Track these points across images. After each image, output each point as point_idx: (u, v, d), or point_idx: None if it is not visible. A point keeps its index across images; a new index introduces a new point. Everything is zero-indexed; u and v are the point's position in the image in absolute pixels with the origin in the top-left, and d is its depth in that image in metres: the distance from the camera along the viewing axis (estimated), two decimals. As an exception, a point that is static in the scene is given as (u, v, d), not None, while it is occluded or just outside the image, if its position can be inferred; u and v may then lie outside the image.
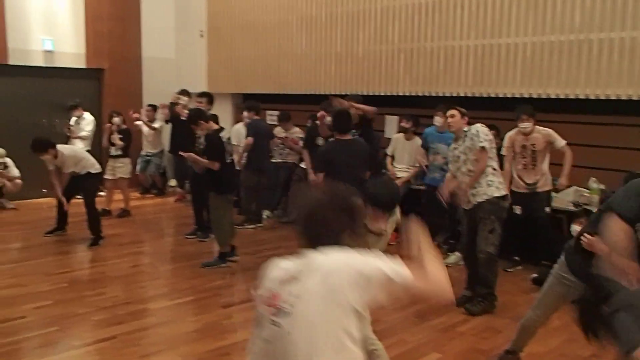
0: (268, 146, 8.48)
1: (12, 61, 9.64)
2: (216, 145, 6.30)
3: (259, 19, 9.83)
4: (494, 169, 5.14)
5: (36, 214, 8.69)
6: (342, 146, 5.53)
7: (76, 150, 7.65)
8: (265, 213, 8.62)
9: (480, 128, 5.08)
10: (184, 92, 8.81)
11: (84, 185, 7.25)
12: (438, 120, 6.89)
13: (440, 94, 7.56)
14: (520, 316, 4.09)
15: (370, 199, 3.23)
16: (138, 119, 9.71)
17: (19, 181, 9.24)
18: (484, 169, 5.06)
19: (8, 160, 9.20)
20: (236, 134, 8.48)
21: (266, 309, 2.09)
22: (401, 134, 7.78)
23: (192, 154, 6.40)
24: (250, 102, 8.63)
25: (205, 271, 6.25)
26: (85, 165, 7.23)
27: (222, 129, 6.60)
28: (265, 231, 8.11)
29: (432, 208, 6.64)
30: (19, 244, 7.49)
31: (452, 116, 5.18)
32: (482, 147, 5.01)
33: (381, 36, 8.17)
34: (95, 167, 7.36)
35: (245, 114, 8.37)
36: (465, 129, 5.15)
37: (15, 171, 9.23)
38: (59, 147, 7.15)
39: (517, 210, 6.21)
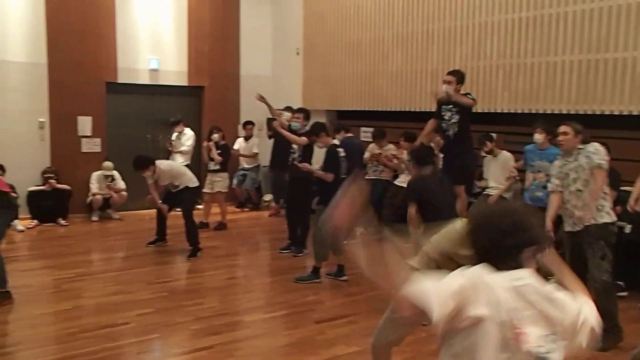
0: (361, 163, 8.47)
1: (121, 79, 10.22)
2: (333, 158, 6.43)
3: (354, 37, 9.90)
4: (605, 193, 4.84)
5: (139, 224, 9.10)
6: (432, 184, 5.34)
7: (173, 165, 7.96)
8: (359, 230, 8.57)
9: (599, 147, 4.79)
10: (288, 109, 9.00)
11: (182, 198, 7.54)
12: (538, 137, 6.63)
13: (541, 111, 7.29)
14: (630, 347, 3.83)
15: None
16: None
17: (124, 193, 9.75)
18: (601, 188, 4.76)
19: (115, 173, 9.73)
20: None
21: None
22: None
23: (306, 165, 6.52)
24: (337, 124, 8.74)
25: (299, 286, 6.30)
26: (183, 181, 7.52)
27: (338, 144, 6.72)
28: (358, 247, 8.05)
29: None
30: (123, 253, 7.85)
31: (565, 133, 4.87)
32: (600, 166, 4.72)
33: (479, 52, 8.00)
34: (193, 182, 7.64)
35: (337, 136, 8.45)
36: (580, 146, 4.87)
37: (121, 184, 9.75)
38: (157, 162, 7.50)
39: (627, 229, 5.84)
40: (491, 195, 7.18)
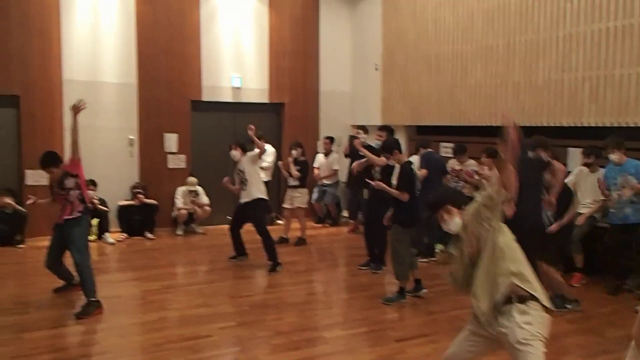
0: (441, 179, 8.34)
1: (205, 97, 10.57)
2: (408, 177, 6.35)
3: (434, 51, 9.80)
4: None
5: (222, 239, 9.30)
6: None
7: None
8: (438, 247, 8.41)
9: None
10: (362, 128, 9.00)
11: (253, 214, 7.68)
12: (614, 157, 6.38)
13: (632, 124, 6.94)
14: None
15: None
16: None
17: (208, 208, 10.04)
18: None
19: (199, 189, 10.04)
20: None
21: None
22: (585, 167, 7.25)
23: (380, 183, 6.49)
24: (418, 141, 8.66)
25: (378, 303, 6.24)
26: (252, 193, 7.66)
27: (411, 162, 6.68)
28: (437, 266, 7.92)
29: (620, 248, 6.06)
30: (206, 267, 8.07)
31: None
32: None
33: (563, 64, 7.73)
34: (264, 193, 7.78)
35: (421, 151, 8.39)
36: None
37: (205, 199, 10.04)
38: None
39: None
40: (582, 213, 6.90)
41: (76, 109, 5.90)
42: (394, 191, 6.27)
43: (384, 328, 5.58)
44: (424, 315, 5.92)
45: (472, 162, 8.56)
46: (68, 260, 6.15)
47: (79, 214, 5.96)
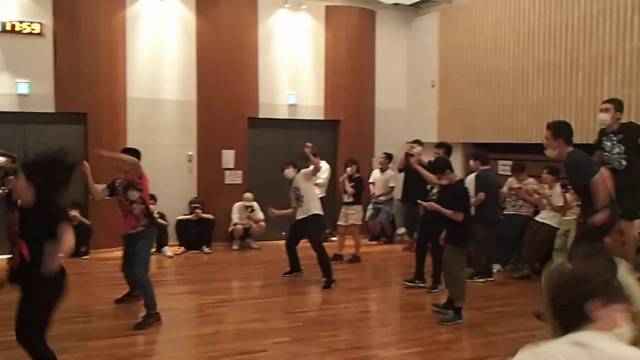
0: (497, 197, 8.19)
1: (261, 115, 10.75)
2: (461, 196, 6.28)
3: (492, 68, 9.69)
4: None
5: (276, 254, 9.38)
6: None
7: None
8: (496, 267, 8.30)
9: None
10: (417, 142, 8.95)
11: (308, 230, 7.72)
12: None
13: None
14: None
15: None
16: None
17: (263, 224, 10.15)
18: None
19: (255, 204, 10.17)
20: (467, 184, 8.33)
21: None
22: None
23: (432, 203, 6.41)
24: (476, 151, 8.49)
25: (433, 323, 6.16)
26: (308, 209, 7.71)
27: (463, 179, 6.60)
28: (495, 286, 7.78)
29: None
30: (261, 282, 8.15)
31: None
32: None
33: (630, 79, 7.49)
34: (319, 209, 7.81)
35: (471, 162, 8.25)
36: None
37: (260, 214, 10.17)
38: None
39: None
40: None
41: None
42: (447, 211, 6.17)
43: (440, 349, 5.50)
44: (481, 337, 5.80)
45: (531, 180, 8.38)
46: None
47: (143, 228, 6.13)
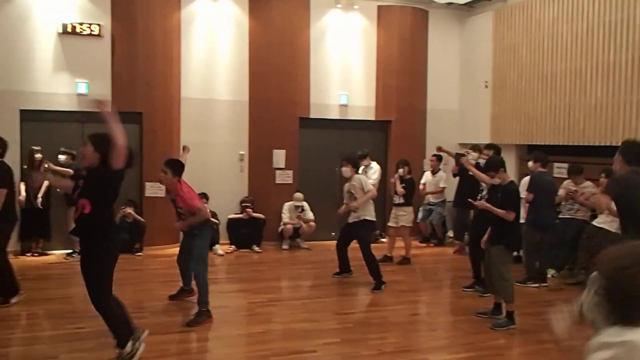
0: (552, 201, 7.98)
1: (312, 115, 10.78)
2: (514, 196, 6.17)
3: (549, 68, 9.45)
4: None
5: (326, 255, 9.40)
6: None
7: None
8: (550, 272, 8.09)
9: None
10: (474, 148, 8.81)
11: (358, 233, 7.67)
12: None
13: None
14: None
15: None
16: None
17: (313, 224, 10.18)
18: None
19: (305, 204, 10.21)
20: (523, 186, 8.16)
21: None
22: None
23: (484, 202, 6.31)
24: (537, 153, 8.28)
25: (485, 327, 6.04)
26: (360, 214, 7.65)
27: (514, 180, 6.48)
28: (549, 292, 7.58)
29: None
30: (311, 282, 8.17)
31: None
32: None
33: (696, 81, 7.20)
34: (371, 215, 7.73)
35: (530, 164, 8.05)
36: None
37: (310, 214, 10.20)
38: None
39: None
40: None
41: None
42: (499, 211, 6.06)
43: (492, 354, 5.39)
44: (533, 344, 5.66)
45: (588, 183, 8.12)
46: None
47: (198, 224, 6.20)
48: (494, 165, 6.36)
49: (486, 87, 10.97)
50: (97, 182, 4.62)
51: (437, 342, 5.76)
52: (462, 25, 11.75)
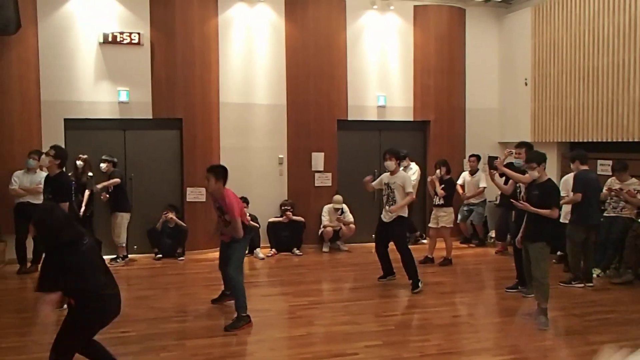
0: (597, 199, 7.79)
1: (350, 117, 10.77)
2: (555, 193, 6.12)
3: (591, 63, 9.23)
4: None
5: (366, 257, 9.38)
6: None
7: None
8: (596, 272, 7.90)
9: None
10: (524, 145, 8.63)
11: (393, 232, 7.62)
12: None
13: None
14: None
15: None
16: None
17: (353, 226, 10.16)
18: None
19: (344, 207, 10.20)
20: (564, 184, 8.00)
21: None
22: None
23: (525, 203, 6.19)
24: (574, 152, 8.12)
25: (530, 329, 5.93)
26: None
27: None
28: (595, 292, 7.40)
29: None
30: (351, 284, 8.15)
31: None
32: None
33: None
34: (405, 212, 7.66)
35: (572, 165, 7.89)
36: None
37: (350, 217, 10.18)
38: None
39: None
40: None
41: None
42: (544, 211, 5.95)
43: (537, 357, 5.31)
44: (581, 346, 5.53)
45: (634, 180, 7.93)
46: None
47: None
48: (539, 158, 6.23)
49: (526, 84, 10.79)
50: None
51: (480, 345, 5.68)
52: (500, 22, 11.58)
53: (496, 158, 8.09)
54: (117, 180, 8.94)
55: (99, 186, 8.80)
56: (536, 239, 6.10)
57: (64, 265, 3.92)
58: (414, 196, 7.71)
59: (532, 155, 6.44)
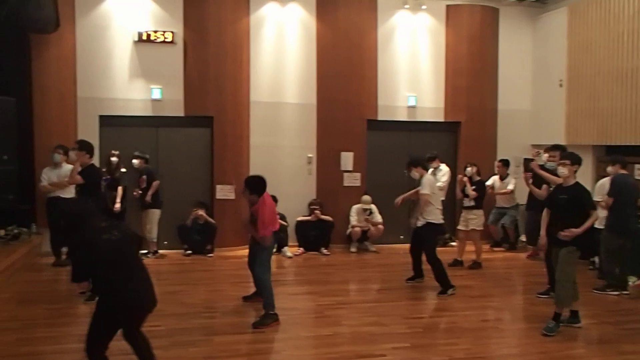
0: (634, 205, 7.61)
1: (380, 117, 10.73)
2: (589, 195, 6.01)
3: (628, 64, 9.04)
4: None
5: (394, 258, 9.34)
6: None
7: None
8: (631, 279, 7.71)
9: None
10: (557, 147, 8.48)
11: (423, 236, 7.57)
12: None
13: None
14: None
15: None
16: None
17: (381, 227, 10.12)
18: None
19: (373, 207, 10.16)
20: (600, 189, 7.84)
21: None
22: None
23: (572, 230, 5.99)
24: (615, 156, 7.94)
25: (561, 336, 5.82)
26: (424, 218, 7.53)
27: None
28: (631, 300, 7.22)
29: None
30: (379, 285, 8.12)
31: None
32: None
33: None
34: (437, 218, 7.60)
35: (609, 168, 7.72)
36: None
37: (378, 217, 10.14)
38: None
39: None
40: None
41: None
42: (588, 223, 5.79)
43: (568, 364, 5.20)
44: (614, 355, 5.41)
45: (673, 186, 7.73)
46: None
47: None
48: (574, 157, 6.11)
49: (560, 85, 10.61)
50: None
51: (509, 350, 5.60)
52: (534, 22, 11.41)
53: (532, 160, 7.94)
54: (157, 182, 9.15)
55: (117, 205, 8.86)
56: (567, 242, 5.97)
57: (87, 257, 3.98)
58: (427, 199, 7.60)
59: (568, 153, 6.33)
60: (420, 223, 7.56)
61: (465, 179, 8.98)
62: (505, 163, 10.24)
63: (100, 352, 4.14)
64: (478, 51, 11.06)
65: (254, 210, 6.16)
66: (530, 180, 7.53)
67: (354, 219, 10.18)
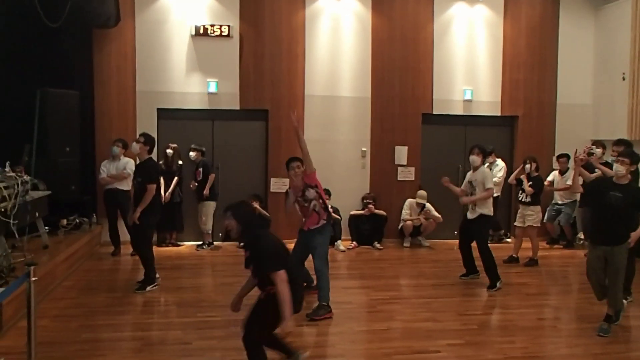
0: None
1: (436, 111, 10.62)
2: None
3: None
4: None
5: (448, 254, 9.25)
6: None
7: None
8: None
9: None
10: (598, 143, 8.24)
11: (475, 229, 7.47)
12: None
13: None
14: None
15: None
16: None
17: (432, 220, 10.02)
18: None
19: (428, 205, 10.06)
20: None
21: None
22: None
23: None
24: None
25: (621, 337, 5.67)
26: (477, 209, 7.43)
27: None
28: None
29: None
30: (433, 281, 8.03)
31: None
32: None
33: None
34: (489, 210, 7.47)
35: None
36: None
37: (433, 212, 10.04)
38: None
39: None
40: None
41: (295, 124, 6.39)
42: None
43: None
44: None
45: None
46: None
47: (324, 222, 6.33)
48: (634, 156, 5.91)
49: (624, 79, 10.25)
50: None
51: (568, 350, 5.47)
52: (597, 14, 11.05)
53: (592, 154, 7.70)
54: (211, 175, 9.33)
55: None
56: (623, 240, 5.75)
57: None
58: (492, 193, 7.49)
59: (629, 151, 6.13)
60: (473, 215, 7.46)
61: (523, 175, 8.80)
62: (568, 157, 9.94)
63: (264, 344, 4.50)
64: (537, 44, 10.82)
65: (312, 183, 6.32)
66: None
67: (405, 213, 10.12)
